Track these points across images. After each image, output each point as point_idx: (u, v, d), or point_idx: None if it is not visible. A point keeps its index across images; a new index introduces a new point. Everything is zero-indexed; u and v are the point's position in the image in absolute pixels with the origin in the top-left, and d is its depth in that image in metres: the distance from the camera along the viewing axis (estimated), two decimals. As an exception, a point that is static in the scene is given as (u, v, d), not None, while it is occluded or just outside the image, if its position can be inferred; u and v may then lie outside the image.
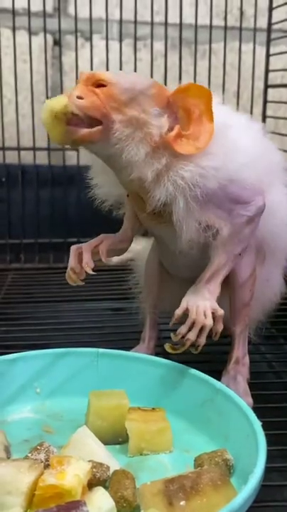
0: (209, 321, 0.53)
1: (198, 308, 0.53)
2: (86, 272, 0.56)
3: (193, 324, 0.53)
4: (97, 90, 0.49)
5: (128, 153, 0.50)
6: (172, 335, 0.54)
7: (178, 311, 0.54)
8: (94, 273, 0.56)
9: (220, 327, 0.54)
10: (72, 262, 0.56)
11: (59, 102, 0.49)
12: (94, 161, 0.57)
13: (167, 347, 0.54)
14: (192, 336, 0.53)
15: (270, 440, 0.44)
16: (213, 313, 0.53)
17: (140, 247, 0.70)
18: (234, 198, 0.53)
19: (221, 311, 0.54)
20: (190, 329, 0.53)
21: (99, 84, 0.49)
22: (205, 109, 0.49)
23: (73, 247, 0.57)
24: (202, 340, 0.53)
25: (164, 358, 0.57)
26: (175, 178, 0.50)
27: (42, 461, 0.44)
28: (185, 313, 0.54)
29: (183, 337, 0.53)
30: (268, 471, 0.42)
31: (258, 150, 0.54)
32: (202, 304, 0.53)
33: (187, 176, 0.50)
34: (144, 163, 0.50)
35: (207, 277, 0.54)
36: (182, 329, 0.53)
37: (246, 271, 0.58)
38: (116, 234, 0.59)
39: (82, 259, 0.56)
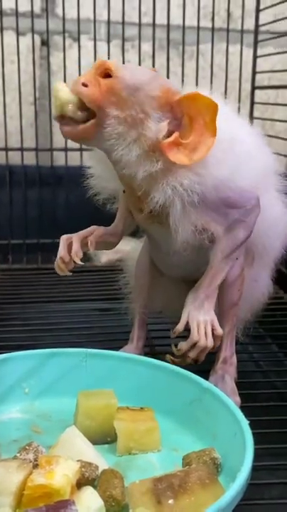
0: (209, 343, 0.54)
1: (199, 328, 0.54)
2: (74, 262, 0.56)
3: (195, 344, 0.54)
4: (101, 81, 0.49)
5: (118, 151, 0.50)
6: (173, 347, 0.55)
7: (179, 327, 0.55)
8: (82, 263, 0.56)
9: (217, 344, 0.55)
10: (61, 251, 0.57)
11: (64, 94, 0.50)
12: (95, 150, 0.57)
13: (168, 357, 0.56)
14: (192, 355, 0.54)
15: (257, 439, 0.44)
16: (212, 331, 0.54)
17: (129, 248, 0.70)
18: (230, 203, 0.53)
19: (220, 331, 0.55)
20: (191, 346, 0.54)
21: (107, 73, 0.49)
22: (210, 121, 0.49)
23: (63, 237, 0.57)
24: (202, 358, 0.55)
25: (152, 357, 0.58)
26: (175, 184, 0.50)
27: (31, 461, 0.44)
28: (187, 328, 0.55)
29: (184, 353, 0.54)
30: (255, 469, 0.42)
31: (254, 153, 0.54)
32: (202, 321, 0.54)
33: (185, 183, 0.50)
34: (136, 163, 0.50)
35: (207, 283, 0.55)
36: (183, 346, 0.54)
37: (235, 271, 0.58)
38: (107, 227, 0.59)
39: (72, 249, 0.56)
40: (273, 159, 0.59)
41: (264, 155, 0.57)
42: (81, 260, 0.56)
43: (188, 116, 0.50)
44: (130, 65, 0.52)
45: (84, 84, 0.49)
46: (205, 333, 0.54)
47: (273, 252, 0.62)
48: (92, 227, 0.58)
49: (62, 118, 0.50)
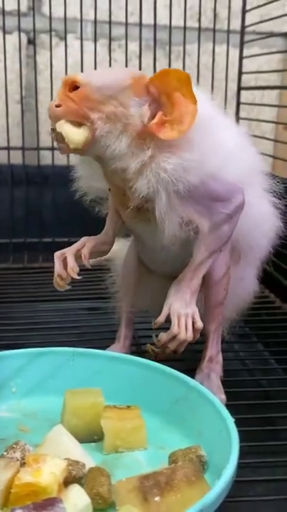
0: (189, 336, 0.54)
1: (180, 321, 0.54)
2: (72, 277, 0.57)
3: (174, 337, 0.54)
4: (71, 94, 0.50)
5: (110, 147, 0.50)
6: (154, 337, 0.56)
7: (161, 318, 0.55)
8: (79, 277, 0.57)
9: (197, 337, 0.55)
10: (57, 268, 0.57)
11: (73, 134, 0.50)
12: None
13: (148, 347, 0.56)
14: (172, 346, 0.55)
15: (243, 437, 0.45)
16: (193, 324, 0.54)
17: (117, 247, 0.70)
18: (214, 195, 0.53)
19: (200, 324, 0.55)
20: (171, 339, 0.54)
21: (74, 86, 0.50)
22: (186, 91, 0.49)
23: (57, 254, 0.58)
24: (181, 350, 0.55)
25: (139, 356, 0.58)
26: (158, 170, 0.50)
27: (18, 460, 0.44)
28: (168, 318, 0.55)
29: (164, 344, 0.55)
30: (240, 467, 0.43)
31: (240, 150, 0.55)
32: (183, 314, 0.55)
33: (169, 168, 0.50)
34: (128, 155, 0.51)
35: (189, 275, 0.55)
36: (163, 338, 0.55)
37: (221, 270, 0.59)
38: (98, 236, 0.60)
39: (67, 264, 0.57)
40: (259, 158, 0.59)
41: (249, 153, 0.57)
42: (77, 274, 0.57)
43: (165, 93, 0.50)
44: (97, 70, 0.53)
45: (58, 105, 0.50)
46: (186, 326, 0.54)
47: (260, 250, 0.62)
48: (83, 240, 0.59)
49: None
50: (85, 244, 0.58)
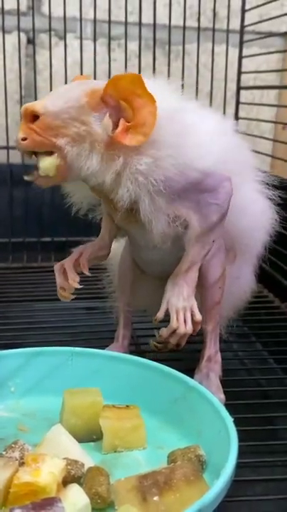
0: (189, 329, 0.55)
1: (179, 315, 0.55)
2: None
3: (174, 331, 0.54)
4: (33, 126, 0.50)
5: (83, 167, 0.51)
6: (156, 333, 0.56)
7: (160, 314, 0.55)
8: (81, 286, 0.57)
9: (197, 329, 0.56)
10: (59, 281, 0.58)
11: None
12: None
13: (151, 344, 0.57)
14: (173, 341, 0.55)
15: (242, 436, 0.45)
16: (192, 317, 0.55)
17: (113, 247, 0.70)
18: (200, 187, 0.53)
19: (199, 317, 0.55)
20: (171, 333, 0.54)
21: (34, 116, 0.50)
22: (141, 91, 0.49)
23: (56, 267, 0.58)
24: (183, 344, 0.55)
25: (138, 356, 0.58)
26: (135, 175, 0.50)
27: (17, 459, 0.44)
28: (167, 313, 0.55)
29: (165, 339, 0.55)
30: (239, 466, 0.43)
31: (219, 138, 0.54)
32: (181, 308, 0.55)
33: (143, 169, 0.50)
34: (101, 170, 0.51)
35: (185, 269, 0.55)
36: (164, 333, 0.55)
37: (216, 272, 0.59)
38: (94, 242, 0.60)
39: (67, 275, 0.57)
40: (251, 153, 0.59)
41: (231, 140, 0.56)
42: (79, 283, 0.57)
43: (122, 99, 0.50)
44: (51, 93, 0.53)
45: (24, 139, 0.50)
46: (185, 319, 0.55)
47: (256, 247, 0.62)
48: (80, 248, 0.59)
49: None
50: (82, 253, 0.58)
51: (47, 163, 0.51)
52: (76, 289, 0.57)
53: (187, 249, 0.55)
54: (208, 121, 0.55)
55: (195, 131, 0.52)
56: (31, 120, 0.50)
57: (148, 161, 0.50)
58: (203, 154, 0.52)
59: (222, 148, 0.53)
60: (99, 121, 0.50)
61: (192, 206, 0.53)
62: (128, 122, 0.50)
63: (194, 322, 0.55)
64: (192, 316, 0.55)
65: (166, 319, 0.55)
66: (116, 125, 0.50)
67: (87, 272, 0.58)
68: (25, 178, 0.52)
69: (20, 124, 0.51)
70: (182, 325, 0.54)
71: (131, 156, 0.50)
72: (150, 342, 0.57)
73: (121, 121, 0.50)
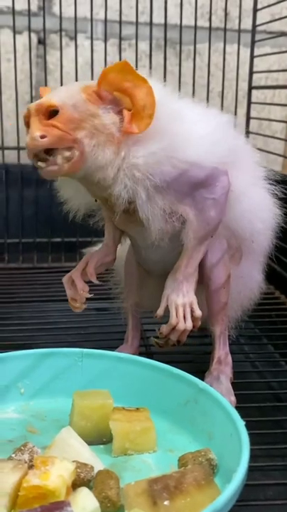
0: (189, 325, 0.55)
1: (178, 311, 0.54)
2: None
3: (174, 328, 0.54)
4: (54, 122, 0.49)
5: (97, 159, 0.50)
6: (157, 330, 0.56)
7: (159, 311, 0.55)
8: (91, 295, 0.57)
9: (198, 325, 0.56)
10: (69, 293, 0.58)
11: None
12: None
13: (153, 341, 0.57)
14: (173, 337, 0.55)
15: (253, 439, 0.44)
16: (191, 313, 0.54)
17: (118, 249, 0.70)
18: (196, 182, 0.52)
19: (199, 312, 0.55)
20: (171, 330, 0.54)
21: (51, 111, 0.49)
22: (132, 77, 0.49)
23: (64, 279, 0.58)
24: (183, 339, 0.56)
25: (148, 358, 0.58)
26: (132, 171, 0.50)
27: (26, 462, 0.44)
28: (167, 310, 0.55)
29: (166, 335, 0.55)
30: (251, 470, 0.42)
31: (217, 133, 0.53)
32: (181, 304, 0.54)
33: (141, 163, 0.50)
34: (107, 164, 0.50)
35: (183, 265, 0.55)
36: (164, 330, 0.55)
37: (222, 276, 0.58)
38: (99, 249, 0.60)
39: (76, 286, 0.57)
40: (243, 140, 0.58)
41: (230, 135, 0.55)
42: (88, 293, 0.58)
43: (116, 90, 0.50)
44: (58, 89, 0.52)
45: (43, 136, 0.49)
46: (184, 315, 0.54)
47: (261, 243, 0.61)
48: (86, 257, 0.59)
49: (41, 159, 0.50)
50: (88, 262, 0.58)
51: (63, 158, 0.50)
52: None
53: (186, 245, 0.55)
54: (205, 117, 0.54)
55: (193, 128, 0.52)
56: (48, 116, 0.49)
57: (146, 154, 0.50)
58: (203, 151, 0.51)
59: (220, 144, 0.53)
60: (106, 113, 0.50)
61: (188, 201, 0.53)
62: (129, 111, 0.50)
63: (194, 318, 0.55)
64: (192, 311, 0.55)
65: (167, 315, 0.55)
66: (120, 118, 0.50)
67: (95, 281, 0.58)
68: (37, 164, 0.50)
69: (33, 123, 0.50)
70: (182, 321, 0.54)
71: (128, 149, 0.50)
72: (151, 340, 0.57)
73: (125, 112, 0.50)
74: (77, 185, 0.56)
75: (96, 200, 0.57)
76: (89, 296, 0.57)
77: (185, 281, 0.55)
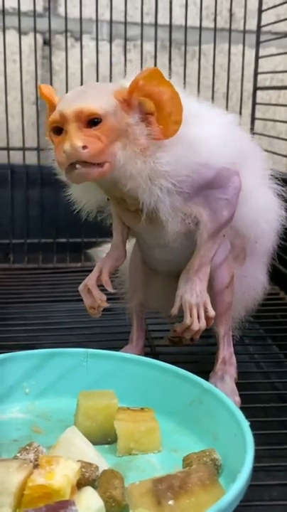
0: (202, 325, 0.55)
1: (192, 311, 0.55)
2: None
3: (188, 327, 0.55)
4: (97, 133, 0.47)
5: (128, 169, 0.49)
6: (171, 329, 0.56)
7: (173, 310, 0.56)
8: (109, 304, 0.57)
9: (211, 324, 0.56)
10: (87, 302, 0.58)
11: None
12: None
13: (165, 339, 0.58)
14: (187, 336, 0.56)
15: (258, 440, 0.44)
16: (205, 313, 0.55)
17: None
18: (210, 184, 0.53)
19: (212, 312, 0.55)
20: (185, 329, 0.55)
21: (91, 119, 0.47)
22: (158, 81, 0.48)
23: (80, 288, 0.58)
24: (197, 338, 0.56)
25: (153, 358, 0.58)
26: (160, 180, 0.50)
27: (31, 461, 0.44)
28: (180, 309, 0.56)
29: (179, 335, 0.56)
30: (255, 470, 0.42)
31: (229, 136, 0.53)
32: (194, 304, 0.55)
33: (169, 170, 0.50)
34: (138, 172, 0.50)
35: (197, 264, 0.55)
36: (178, 329, 0.55)
37: (226, 277, 0.59)
38: (110, 253, 0.59)
39: (93, 295, 0.57)
40: (252, 143, 0.58)
41: (240, 138, 0.55)
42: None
43: (146, 97, 0.49)
44: (86, 92, 0.49)
45: (85, 147, 0.46)
46: (198, 315, 0.55)
47: (265, 243, 0.61)
48: (99, 265, 0.58)
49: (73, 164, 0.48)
50: (102, 269, 0.58)
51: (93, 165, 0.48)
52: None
53: (199, 245, 0.55)
54: (218, 121, 0.54)
55: (209, 131, 0.52)
56: (86, 124, 0.47)
57: (171, 160, 0.49)
58: (218, 153, 0.52)
59: (232, 146, 0.53)
60: (137, 124, 0.49)
61: (202, 202, 0.53)
62: (152, 115, 0.49)
63: (207, 317, 0.55)
64: (205, 311, 0.55)
65: (179, 314, 0.55)
66: (148, 125, 0.49)
67: (110, 289, 0.58)
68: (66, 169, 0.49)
69: (73, 130, 0.46)
70: (196, 321, 0.55)
71: (152, 157, 0.49)
72: (164, 337, 0.57)
73: (152, 119, 0.49)
74: (85, 185, 0.55)
75: (108, 199, 0.57)
76: (108, 305, 0.57)
77: (198, 281, 0.55)
